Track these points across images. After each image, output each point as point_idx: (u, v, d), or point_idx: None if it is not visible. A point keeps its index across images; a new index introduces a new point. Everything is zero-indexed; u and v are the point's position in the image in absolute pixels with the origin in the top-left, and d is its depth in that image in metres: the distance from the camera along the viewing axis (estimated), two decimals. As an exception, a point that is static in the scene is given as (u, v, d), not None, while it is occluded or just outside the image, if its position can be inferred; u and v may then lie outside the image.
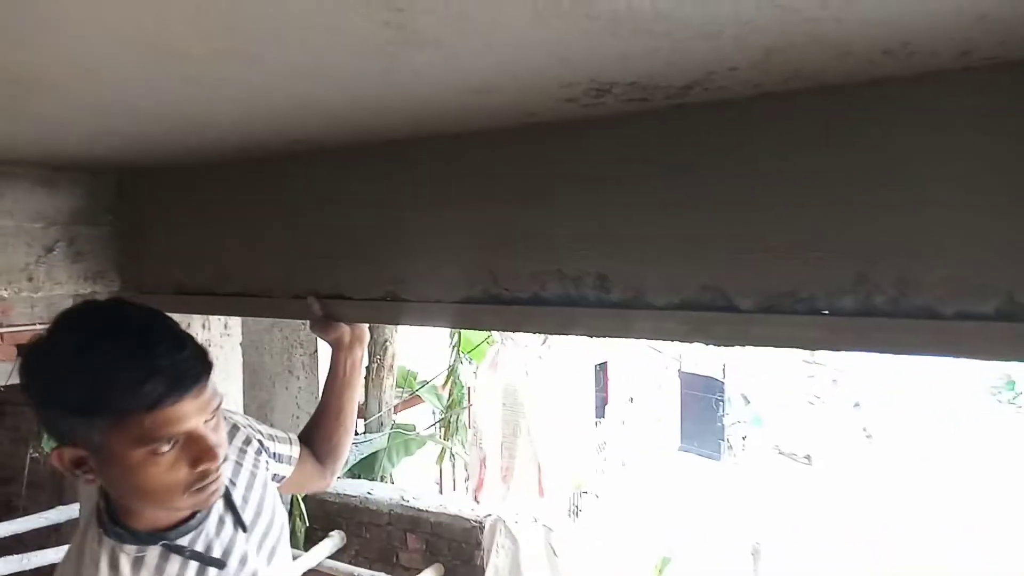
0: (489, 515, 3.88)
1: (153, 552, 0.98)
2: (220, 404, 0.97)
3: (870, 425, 16.78)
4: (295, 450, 1.34)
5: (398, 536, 4.04)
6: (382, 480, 5.16)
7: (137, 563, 0.97)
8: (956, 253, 0.85)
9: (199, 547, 1.02)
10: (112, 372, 0.86)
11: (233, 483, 1.12)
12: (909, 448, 15.34)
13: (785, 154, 0.94)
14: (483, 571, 3.75)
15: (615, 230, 1.07)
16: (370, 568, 3.84)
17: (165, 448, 0.89)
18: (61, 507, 4.08)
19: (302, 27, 0.68)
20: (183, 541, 1.01)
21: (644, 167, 1.04)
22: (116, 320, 0.92)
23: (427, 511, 3.97)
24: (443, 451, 6.41)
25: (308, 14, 0.65)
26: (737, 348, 1.02)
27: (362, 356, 1.47)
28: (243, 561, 1.07)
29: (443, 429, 6.47)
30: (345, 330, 1.41)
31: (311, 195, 1.43)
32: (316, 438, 1.41)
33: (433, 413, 7.01)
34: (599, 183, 1.08)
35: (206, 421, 0.93)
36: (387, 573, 3.79)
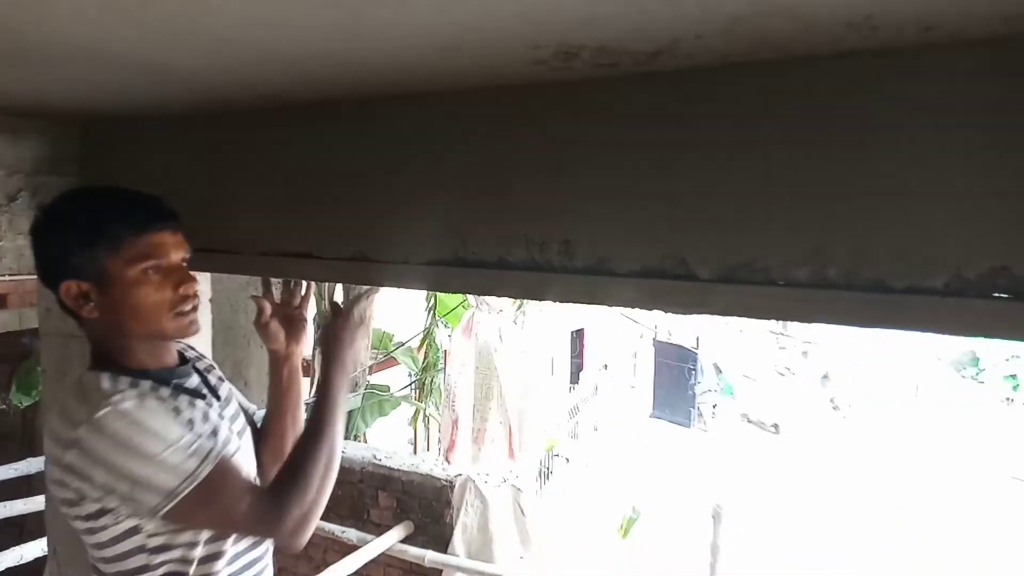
0: (459, 475, 3.94)
1: (145, 384, 1.15)
2: (190, 255, 1.22)
3: (837, 397, 17.17)
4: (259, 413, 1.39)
5: (369, 494, 4.10)
6: (355, 439, 5.21)
7: (133, 384, 1.13)
8: (906, 228, 0.86)
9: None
10: (106, 207, 1.15)
11: (207, 372, 1.34)
12: (874, 419, 15.74)
13: (748, 125, 0.95)
14: (452, 529, 3.82)
15: (581, 197, 1.08)
16: (341, 524, 3.90)
17: (153, 271, 1.14)
18: (31, 459, 4.07)
19: (262, -23, 0.67)
20: (171, 380, 1.20)
21: (611, 134, 1.05)
22: (104, 186, 1.22)
23: (398, 470, 4.03)
24: (417, 412, 6.46)
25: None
26: (696, 315, 1.03)
27: (299, 364, 1.51)
28: (217, 424, 1.21)
29: (417, 391, 6.52)
30: (282, 341, 1.43)
31: (280, 151, 1.42)
32: (265, 437, 1.42)
33: (409, 375, 7.05)
34: (567, 149, 1.09)
35: (183, 260, 1.19)
36: (357, 529, 3.85)
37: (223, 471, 1.09)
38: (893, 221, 0.87)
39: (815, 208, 0.91)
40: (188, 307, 1.19)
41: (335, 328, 1.40)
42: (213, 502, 1.08)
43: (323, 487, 1.16)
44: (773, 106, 0.93)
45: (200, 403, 1.20)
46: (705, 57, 0.91)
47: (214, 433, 1.17)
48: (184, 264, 1.20)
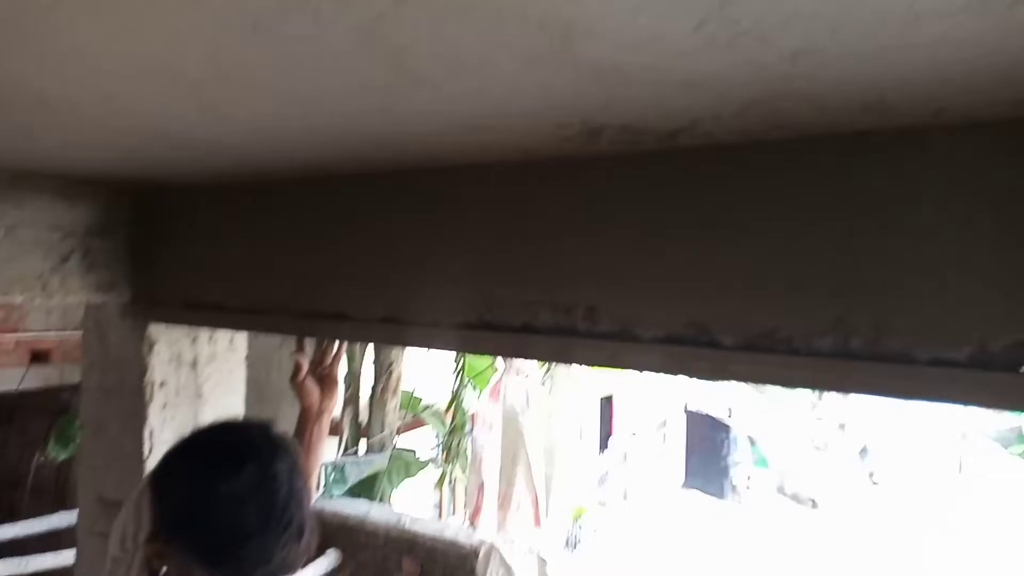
0: (484, 542, 3.87)
1: None
2: None
3: (876, 471, 16.54)
4: None
5: (393, 558, 4.03)
6: (381, 501, 5.16)
7: None
8: (931, 301, 0.88)
9: None
10: (237, 548, 1.01)
11: None
12: (915, 496, 15.09)
13: (771, 198, 0.98)
14: (475, 599, 3.73)
15: (606, 265, 1.11)
16: (363, 590, 3.83)
17: None
18: (63, 512, 4.10)
19: (308, 67, 0.73)
20: None
21: (635, 206, 1.08)
22: (268, 483, 1.04)
23: (423, 535, 3.96)
24: (443, 475, 6.39)
25: (313, 56, 0.70)
26: (720, 382, 1.04)
27: (327, 425, 1.52)
28: None
29: (444, 453, 6.47)
30: (317, 398, 1.46)
31: (318, 218, 1.48)
32: None
33: (436, 437, 7.01)
34: (592, 219, 1.12)
35: None
36: (379, 596, 3.78)
37: None
38: (915, 294, 0.88)
39: (836, 280, 0.93)
40: None
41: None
42: None
43: None
44: (793, 181, 0.96)
45: None
46: (725, 136, 0.95)
47: None
48: None
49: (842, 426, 18.09)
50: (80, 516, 1.99)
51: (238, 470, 1.03)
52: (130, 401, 1.84)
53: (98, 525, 1.91)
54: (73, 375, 4.42)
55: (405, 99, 0.81)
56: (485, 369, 6.11)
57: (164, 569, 1.06)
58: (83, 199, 1.69)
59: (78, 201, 1.69)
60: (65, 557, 3.32)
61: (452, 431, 6.24)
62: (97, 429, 1.91)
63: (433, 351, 1.48)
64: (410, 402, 6.44)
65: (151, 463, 1.79)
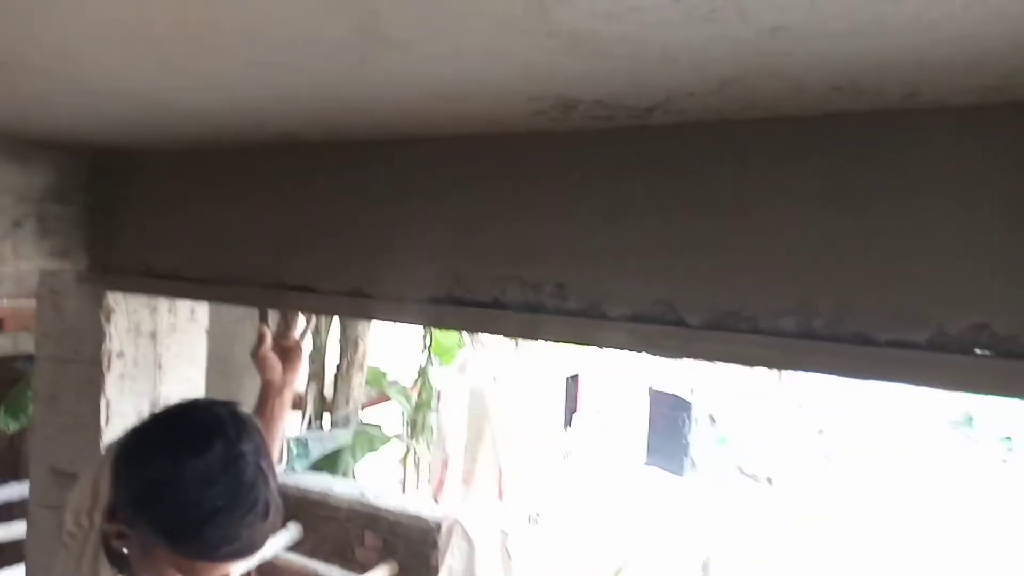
0: (447, 517, 3.90)
1: None
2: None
3: (832, 451, 17.02)
4: None
5: (355, 532, 4.04)
6: (344, 476, 5.15)
7: None
8: (892, 284, 0.89)
9: None
10: (202, 527, 0.99)
11: None
12: (868, 475, 15.58)
13: (739, 179, 0.98)
14: (437, 571, 3.76)
15: (575, 242, 1.11)
16: (325, 563, 3.84)
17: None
18: (15, 483, 4.02)
19: (276, 25, 0.70)
20: None
21: (607, 183, 1.08)
22: (235, 463, 1.02)
23: (386, 509, 3.98)
24: (408, 451, 6.40)
25: (283, 12, 0.67)
26: (684, 360, 1.05)
27: (289, 398, 1.49)
28: None
29: (409, 429, 6.47)
30: (278, 372, 1.43)
31: (284, 187, 1.45)
32: None
33: (402, 413, 7.00)
34: (563, 195, 1.12)
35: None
36: (342, 568, 3.79)
37: None
38: (878, 276, 0.90)
39: (801, 260, 0.94)
40: None
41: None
42: None
43: None
44: (763, 161, 0.97)
45: None
46: (698, 113, 0.95)
47: None
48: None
49: (800, 407, 18.54)
50: (32, 488, 1.94)
51: (205, 449, 1.01)
52: (86, 371, 1.79)
53: (51, 497, 1.86)
54: (27, 344, 4.31)
55: (377, 61, 0.79)
56: (452, 346, 6.11)
57: (124, 549, 1.05)
58: (38, 162, 1.63)
59: (33, 164, 1.62)
60: (16, 529, 3.26)
61: (418, 407, 6.24)
62: (51, 400, 1.86)
63: (400, 326, 1.47)
64: (376, 378, 6.41)
65: (108, 434, 1.75)
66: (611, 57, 0.73)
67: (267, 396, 1.46)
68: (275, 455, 1.32)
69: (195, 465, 1.00)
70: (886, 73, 0.75)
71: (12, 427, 4.72)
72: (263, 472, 1.05)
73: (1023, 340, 0.82)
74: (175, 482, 1.00)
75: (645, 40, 0.68)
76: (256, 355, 1.43)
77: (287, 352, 1.48)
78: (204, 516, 0.99)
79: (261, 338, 1.42)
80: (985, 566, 11.62)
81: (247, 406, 1.47)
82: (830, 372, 0.94)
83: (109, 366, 1.77)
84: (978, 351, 0.85)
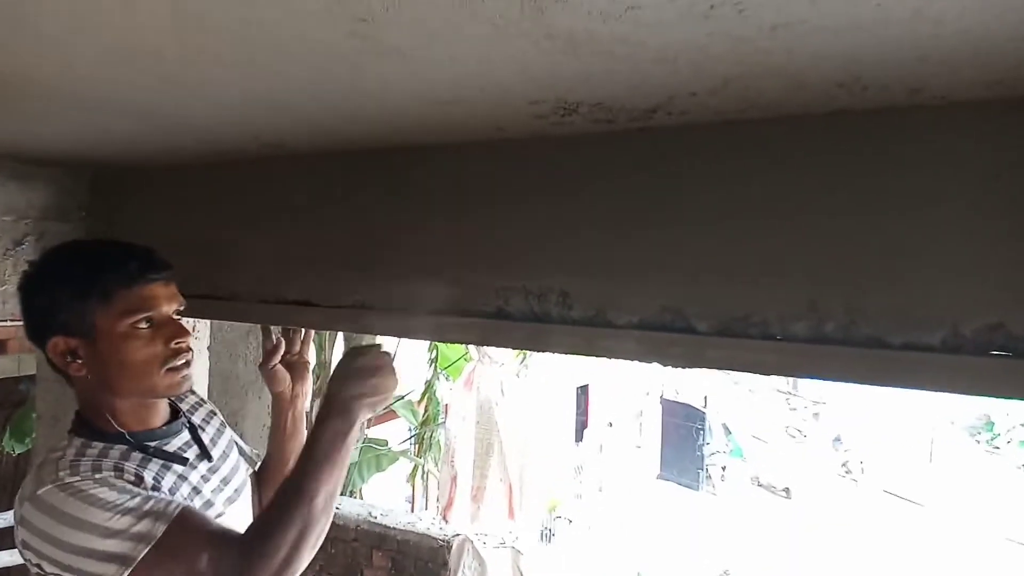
0: (457, 535, 3.85)
1: (117, 449, 1.09)
2: (184, 306, 1.16)
3: (849, 460, 16.83)
4: (255, 453, 1.35)
5: (364, 552, 3.99)
6: (351, 495, 5.11)
7: (103, 453, 1.08)
8: (904, 285, 0.87)
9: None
10: (96, 260, 1.09)
11: (202, 428, 1.26)
12: (887, 484, 15.38)
13: (744, 181, 0.96)
14: (449, 591, 3.71)
15: (580, 249, 1.09)
16: (335, 583, 3.80)
17: (144, 325, 1.08)
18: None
19: (271, 33, 0.69)
20: (149, 444, 1.13)
21: (610, 188, 1.06)
22: (95, 240, 1.17)
23: (394, 528, 3.93)
24: (415, 468, 6.36)
25: (276, 22, 0.66)
26: (695, 369, 1.03)
27: (303, 408, 1.47)
28: (198, 486, 1.15)
29: (417, 446, 6.43)
30: (288, 384, 1.42)
31: (283, 200, 1.44)
32: (264, 484, 1.39)
33: (409, 429, 6.96)
34: (566, 201, 1.10)
35: (176, 312, 1.13)
36: (351, 589, 3.75)
37: (182, 528, 0.99)
38: (888, 277, 0.87)
39: (810, 262, 0.92)
40: (180, 362, 1.12)
41: (341, 367, 1.20)
42: (173, 561, 0.97)
43: (300, 542, 1.01)
44: (767, 162, 0.95)
45: (177, 467, 1.14)
46: (700, 114, 0.93)
47: (195, 494, 1.12)
48: (176, 317, 1.14)
49: (816, 415, 18.37)
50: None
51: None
52: (91, 392, 1.78)
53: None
54: (31, 366, 4.31)
55: (373, 69, 0.78)
56: (459, 359, 6.08)
57: (79, 361, 1.09)
58: (38, 181, 1.63)
59: (33, 183, 1.62)
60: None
61: (424, 422, 6.20)
62: (54, 420, 1.85)
63: (405, 340, 1.45)
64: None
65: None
66: (610, 58, 0.72)
67: (281, 410, 1.44)
68: (328, 480, 1.12)
69: (61, 250, 1.14)
70: (889, 68, 0.73)
71: (18, 449, 4.71)
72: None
73: (1041, 340, 0.79)
74: (61, 262, 1.11)
75: (644, 40, 0.67)
76: (264, 369, 1.42)
77: (293, 367, 1.46)
78: (93, 257, 1.10)
79: (269, 353, 1.41)
80: (1004, 571, 11.41)
81: (257, 422, 1.44)
82: (843, 378, 0.91)
83: (113, 386, 1.76)
84: (993, 352, 0.82)
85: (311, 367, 1.53)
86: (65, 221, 1.69)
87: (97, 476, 1.01)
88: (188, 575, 1.00)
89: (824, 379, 0.94)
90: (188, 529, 1.01)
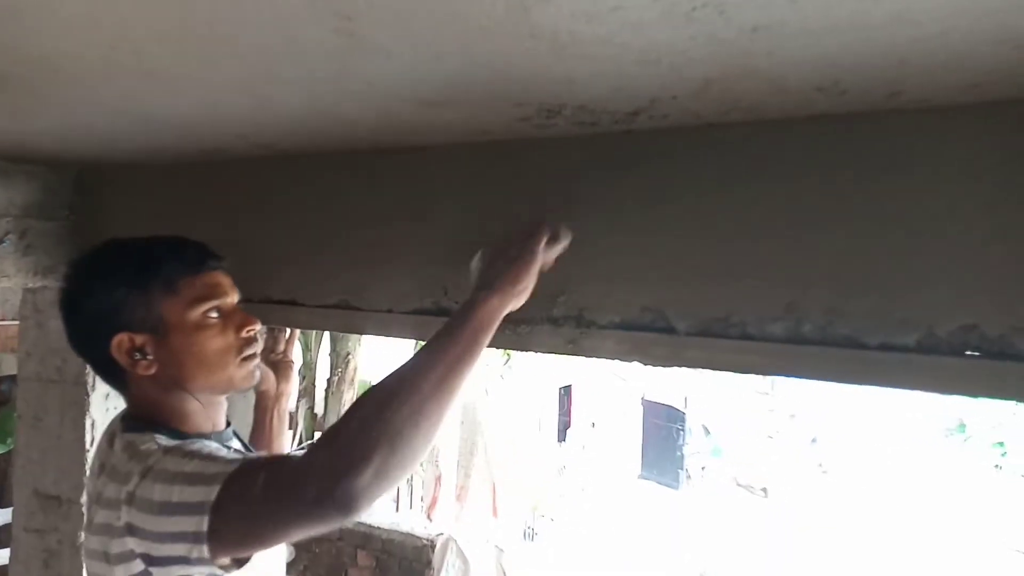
0: (441, 534, 3.86)
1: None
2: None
3: (826, 460, 17.02)
4: None
5: (348, 552, 3.99)
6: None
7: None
8: (880, 286, 0.88)
9: None
10: (155, 250, 1.05)
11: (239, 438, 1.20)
12: (862, 484, 15.57)
13: (725, 184, 0.98)
14: (431, 590, 3.72)
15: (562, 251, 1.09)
16: (317, 584, 3.79)
17: (214, 314, 1.04)
18: (2, 510, 3.95)
19: (254, 31, 0.69)
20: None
21: (592, 189, 1.07)
22: (142, 236, 1.10)
23: (379, 528, 3.93)
24: (400, 468, 6.34)
25: (260, 19, 0.66)
26: (674, 368, 1.04)
27: (287, 408, 1.45)
28: None
29: (401, 446, 6.40)
30: (272, 383, 1.40)
31: (269, 200, 1.44)
32: None
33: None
34: (548, 202, 1.11)
35: (238, 302, 1.10)
36: (334, 589, 3.74)
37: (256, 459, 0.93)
38: (865, 279, 0.89)
39: (788, 265, 0.93)
40: (252, 351, 1.09)
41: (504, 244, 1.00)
42: (255, 480, 0.85)
43: (413, 423, 0.82)
44: (747, 166, 0.96)
45: None
46: (682, 117, 0.94)
47: None
48: (240, 306, 1.11)
49: (793, 416, 18.54)
50: (16, 511, 1.90)
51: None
52: (71, 391, 1.77)
53: (35, 521, 1.83)
54: (12, 366, 4.25)
55: (357, 68, 0.78)
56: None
57: (148, 356, 1.02)
58: (20, 178, 1.61)
59: (14, 180, 1.60)
60: (2, 556, 3.19)
61: (410, 423, 6.18)
62: (35, 421, 1.83)
63: (391, 340, 1.45)
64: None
65: (92, 456, 1.72)
66: (593, 59, 0.73)
67: (264, 408, 1.43)
68: None
69: (111, 244, 1.09)
70: (868, 72, 0.74)
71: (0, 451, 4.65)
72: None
73: (1013, 340, 0.81)
74: (107, 274, 1.05)
75: (626, 41, 0.68)
76: None
77: (278, 366, 1.46)
78: (151, 247, 1.06)
79: None
80: (980, 571, 11.60)
81: (242, 421, 1.42)
82: (821, 377, 0.92)
83: (94, 386, 1.74)
84: (968, 352, 0.84)
85: (296, 367, 1.52)
86: (49, 219, 1.67)
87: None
88: (275, 486, 0.85)
89: (802, 378, 0.95)
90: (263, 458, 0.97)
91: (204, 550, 0.85)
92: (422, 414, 0.83)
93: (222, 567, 0.89)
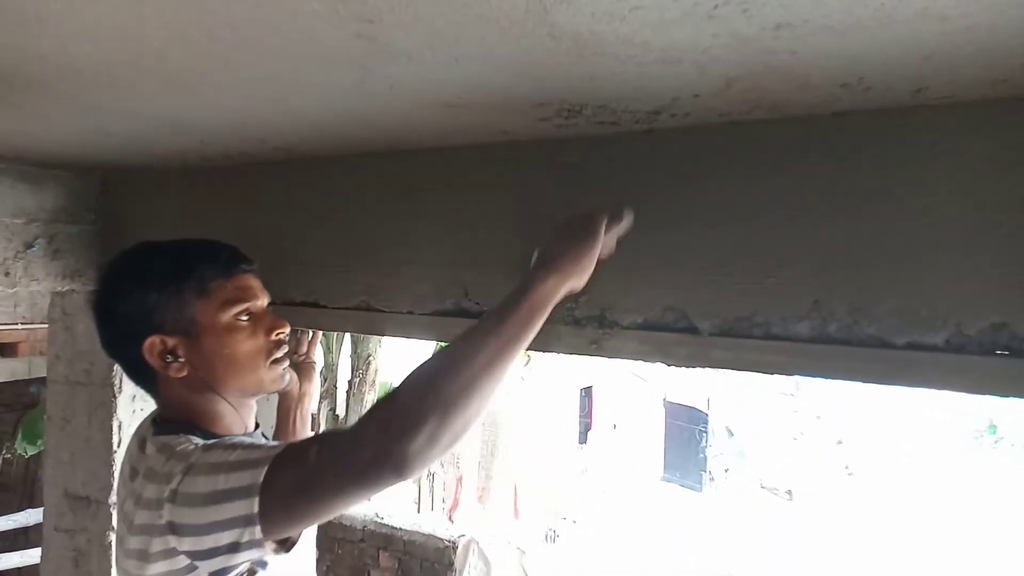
0: (463, 535, 3.86)
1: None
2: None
3: (852, 462, 16.79)
4: None
5: (371, 553, 4.01)
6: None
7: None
8: (907, 285, 0.87)
9: None
10: (187, 252, 1.06)
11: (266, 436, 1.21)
12: (889, 486, 15.34)
13: (748, 182, 0.97)
14: (454, 592, 3.72)
15: (584, 249, 1.09)
16: (340, 584, 3.81)
17: (245, 317, 1.05)
18: (31, 510, 4.02)
19: (276, 35, 0.70)
20: None
21: (613, 189, 1.07)
22: (167, 240, 1.10)
23: (401, 529, 3.95)
24: (422, 470, 6.36)
25: (282, 23, 0.67)
26: (698, 368, 1.03)
27: (309, 409, 1.46)
28: None
29: (423, 447, 6.42)
30: (294, 383, 1.41)
31: (291, 203, 1.45)
32: None
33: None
34: (571, 203, 1.10)
35: (268, 305, 1.11)
36: (357, 590, 3.76)
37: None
38: (892, 277, 0.88)
39: (814, 262, 0.92)
40: (281, 354, 1.10)
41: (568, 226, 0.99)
42: (307, 453, 0.87)
43: (465, 395, 0.83)
44: (771, 163, 0.95)
45: None
46: (704, 115, 0.93)
47: None
48: (270, 309, 1.12)
49: (818, 417, 18.33)
50: (46, 512, 1.94)
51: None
52: (98, 393, 1.80)
53: (65, 521, 1.86)
54: (42, 368, 4.33)
55: (379, 71, 0.78)
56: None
57: (180, 359, 1.03)
58: (48, 184, 1.64)
59: (43, 186, 1.63)
60: (32, 556, 3.26)
61: (431, 424, 6.19)
62: (63, 422, 1.86)
63: (411, 341, 1.46)
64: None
65: (120, 457, 1.74)
66: (614, 59, 0.72)
67: (287, 409, 1.44)
68: None
69: (143, 246, 1.09)
70: (893, 68, 0.73)
71: (30, 451, 4.74)
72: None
73: (1046, 339, 0.79)
74: (140, 276, 1.05)
75: (647, 40, 0.67)
76: None
77: (300, 368, 1.47)
78: (184, 249, 1.07)
79: None
80: (1007, 573, 11.37)
81: (264, 422, 1.43)
82: (847, 377, 0.91)
83: (121, 388, 1.77)
84: (998, 351, 0.83)
85: (318, 368, 1.53)
86: (76, 224, 1.70)
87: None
88: (327, 455, 0.87)
89: (827, 378, 0.94)
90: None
91: (257, 531, 0.86)
92: (474, 387, 0.85)
93: (272, 550, 0.90)
